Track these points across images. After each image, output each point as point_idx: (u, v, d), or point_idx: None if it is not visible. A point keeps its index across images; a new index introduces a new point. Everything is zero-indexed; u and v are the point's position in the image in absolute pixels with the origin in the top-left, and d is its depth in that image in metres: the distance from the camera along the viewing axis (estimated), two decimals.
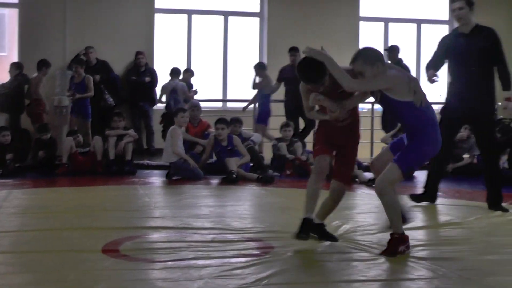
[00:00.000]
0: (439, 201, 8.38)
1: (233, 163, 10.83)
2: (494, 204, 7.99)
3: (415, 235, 6.21)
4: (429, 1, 16.98)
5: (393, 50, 13.27)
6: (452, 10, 7.98)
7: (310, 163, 11.79)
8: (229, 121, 11.70)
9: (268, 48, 15.79)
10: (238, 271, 4.99)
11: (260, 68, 13.54)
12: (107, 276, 4.87)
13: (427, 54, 9.79)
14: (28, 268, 5.11)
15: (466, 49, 7.79)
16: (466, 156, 12.11)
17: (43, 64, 13.45)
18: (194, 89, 14.48)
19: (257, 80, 13.53)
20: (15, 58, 14.80)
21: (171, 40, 15.77)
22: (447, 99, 8.22)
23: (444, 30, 16.44)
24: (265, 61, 15.79)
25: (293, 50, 13.34)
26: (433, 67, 8.06)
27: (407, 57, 14.14)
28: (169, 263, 5.23)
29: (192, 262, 5.26)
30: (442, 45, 8.16)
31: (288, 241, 5.87)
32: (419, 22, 16.93)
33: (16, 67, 13.64)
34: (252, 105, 13.93)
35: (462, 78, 7.90)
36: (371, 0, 16.46)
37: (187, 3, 15.76)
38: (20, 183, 10.12)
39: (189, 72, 14.73)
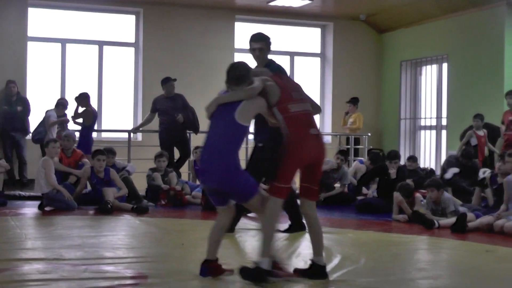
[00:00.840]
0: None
1: (110, 193, 10.72)
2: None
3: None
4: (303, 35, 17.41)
5: None
6: (252, 50, 8.08)
7: (185, 193, 11.86)
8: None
9: (143, 78, 15.78)
10: None
11: (82, 98, 13.43)
12: None
13: None
14: None
15: None
16: (337, 185, 12.44)
17: None
18: (64, 118, 14.07)
19: (80, 110, 13.42)
20: None
21: (45, 69, 15.55)
22: None
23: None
24: (140, 91, 15.79)
25: (166, 81, 13.21)
26: None
27: None
28: None
29: None
30: None
31: (162, 271, 5.88)
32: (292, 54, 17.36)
33: None
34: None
35: None
36: (245, 33, 16.75)
37: (61, 32, 15.59)
38: None
39: (63, 101, 14.47)
